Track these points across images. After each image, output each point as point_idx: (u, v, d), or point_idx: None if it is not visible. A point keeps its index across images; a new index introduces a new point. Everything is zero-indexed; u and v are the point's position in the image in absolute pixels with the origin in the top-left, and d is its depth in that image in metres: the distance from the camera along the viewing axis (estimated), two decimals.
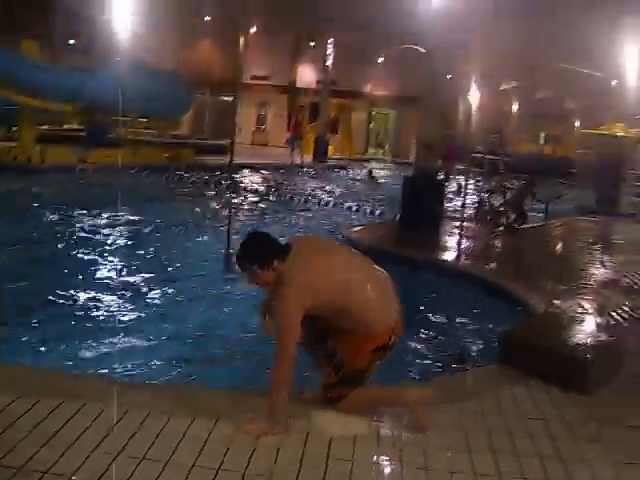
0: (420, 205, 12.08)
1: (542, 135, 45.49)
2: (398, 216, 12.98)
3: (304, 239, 5.16)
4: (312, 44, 37.64)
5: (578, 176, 33.07)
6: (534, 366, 5.47)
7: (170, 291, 8.39)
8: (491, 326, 7.52)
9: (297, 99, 41.51)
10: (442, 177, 13.25)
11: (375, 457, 3.96)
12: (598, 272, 10.81)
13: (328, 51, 32.61)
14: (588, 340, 5.84)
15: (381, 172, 30.98)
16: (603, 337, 6.05)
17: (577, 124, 40.13)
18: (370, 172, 25.83)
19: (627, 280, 10.19)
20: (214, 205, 15.95)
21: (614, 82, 21.31)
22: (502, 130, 40.86)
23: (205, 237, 11.97)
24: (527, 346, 5.72)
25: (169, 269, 9.51)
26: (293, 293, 4.08)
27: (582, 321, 6.92)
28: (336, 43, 32.68)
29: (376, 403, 4.51)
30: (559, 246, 14.19)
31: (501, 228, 13.99)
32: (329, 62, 32.90)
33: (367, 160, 37.65)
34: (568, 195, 21.56)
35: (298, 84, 41.76)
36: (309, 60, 40.72)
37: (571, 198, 22.24)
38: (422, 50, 15.08)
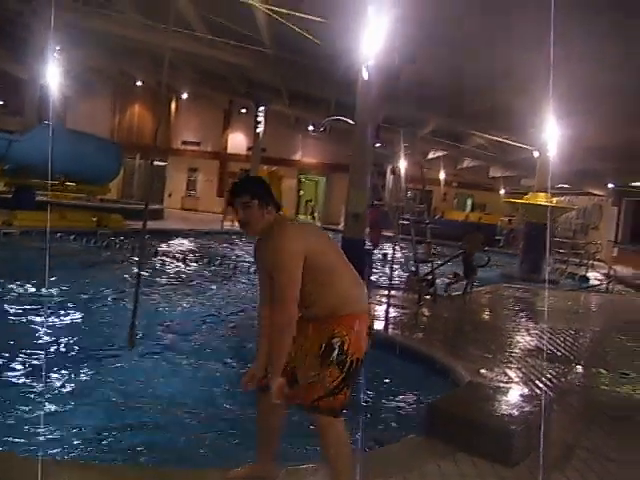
0: None
1: (469, 203, 46.59)
2: None
3: None
4: (243, 111, 38.00)
5: (503, 243, 33.94)
6: (460, 438, 5.48)
7: (80, 362, 8.09)
8: (418, 397, 7.54)
9: (228, 165, 41.73)
10: (370, 245, 13.36)
11: None
12: (523, 340, 10.98)
13: (259, 118, 32.87)
14: (513, 411, 5.89)
15: None
16: (528, 407, 6.09)
17: (502, 192, 41.22)
18: None
19: (551, 347, 10.37)
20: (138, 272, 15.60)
21: (536, 154, 21.98)
22: (429, 198, 41.66)
23: (124, 305, 11.65)
24: (452, 418, 5.74)
25: (82, 338, 9.20)
26: (290, 237, 3.98)
27: (507, 391, 6.99)
28: (267, 111, 33.02)
29: (345, 460, 4.09)
30: (485, 313, 14.38)
31: (428, 297, 14.12)
32: (260, 129, 33.15)
33: None
34: (494, 262, 21.97)
35: (229, 150, 42.03)
36: (240, 127, 41.10)
37: (496, 265, 22.66)
38: (350, 122, 15.37)
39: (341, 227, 21.99)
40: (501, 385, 7.50)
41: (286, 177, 40.80)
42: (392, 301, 12.35)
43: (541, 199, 21.74)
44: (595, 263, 25.09)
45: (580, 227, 37.33)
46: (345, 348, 3.97)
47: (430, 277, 14.74)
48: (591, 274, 24.39)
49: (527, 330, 11.88)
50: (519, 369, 8.63)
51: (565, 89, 14.16)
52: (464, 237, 16.36)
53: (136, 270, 10.85)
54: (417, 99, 20.87)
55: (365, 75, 12.06)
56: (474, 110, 20.66)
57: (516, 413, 5.83)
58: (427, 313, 12.88)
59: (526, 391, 7.32)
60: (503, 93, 18.37)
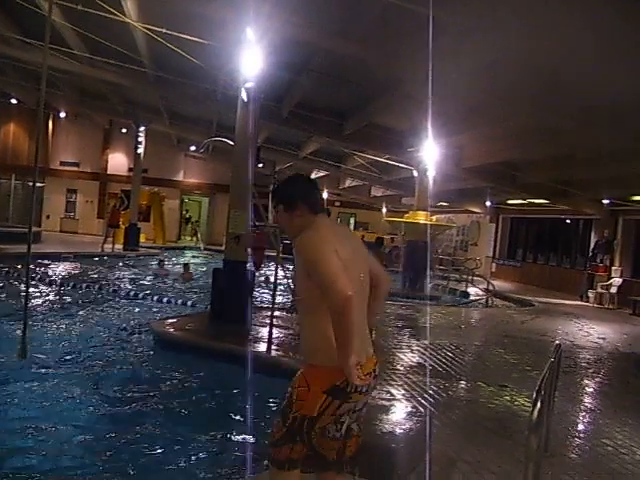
0: (230, 296, 12.07)
1: (352, 221, 47.13)
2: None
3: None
4: (124, 131, 37.34)
5: (386, 261, 34.38)
6: None
7: None
8: None
9: (108, 186, 40.84)
10: (252, 267, 13.27)
11: None
12: (406, 356, 11.11)
13: (140, 138, 32.34)
14: (395, 428, 5.91)
15: (197, 260, 30.80)
16: (410, 424, 6.13)
17: (384, 211, 41.94)
18: (186, 266, 24.55)
19: (433, 363, 10.54)
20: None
21: (415, 173, 22.43)
22: None
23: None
24: None
25: None
26: (319, 233, 3.61)
27: (390, 408, 7.02)
28: (148, 131, 32.55)
29: None
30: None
31: None
32: (141, 149, 32.62)
33: (181, 248, 37.35)
34: None
35: (109, 171, 41.17)
36: (121, 147, 40.35)
37: None
38: (230, 142, 15.32)
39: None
40: (384, 403, 7.53)
41: (168, 198, 40.34)
42: (275, 322, 12.31)
43: (421, 217, 22.17)
44: (475, 278, 25.72)
45: (460, 244, 38.29)
46: (293, 400, 3.65)
47: None
48: (471, 289, 25.00)
49: (410, 347, 12.03)
50: (402, 386, 8.72)
51: (443, 110, 14.56)
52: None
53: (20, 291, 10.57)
54: (298, 120, 21.05)
55: (244, 96, 12.04)
56: (354, 131, 20.94)
57: (398, 430, 5.85)
58: None
59: (409, 408, 7.38)
60: (381, 114, 18.70)
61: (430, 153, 20.03)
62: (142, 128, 32.24)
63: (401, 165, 24.50)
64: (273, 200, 3.93)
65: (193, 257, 32.87)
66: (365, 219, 46.45)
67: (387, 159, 24.91)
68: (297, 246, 3.60)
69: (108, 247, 28.55)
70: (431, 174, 21.13)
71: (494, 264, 33.84)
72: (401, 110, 17.57)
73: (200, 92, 20.35)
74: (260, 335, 11.54)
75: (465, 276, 26.08)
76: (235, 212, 12.28)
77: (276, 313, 13.01)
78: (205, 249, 36.97)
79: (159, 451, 6.41)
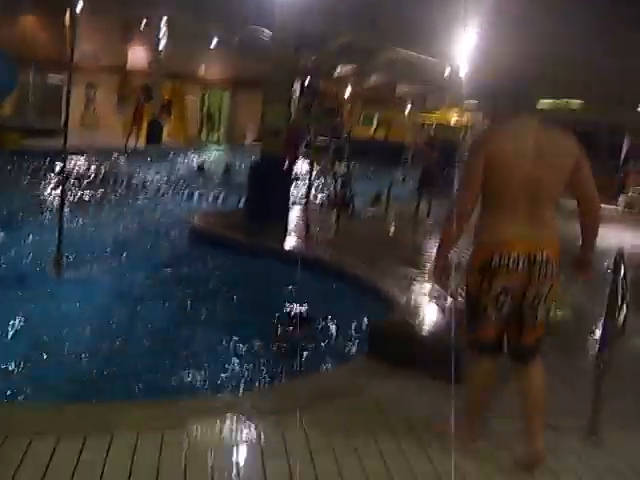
0: (267, 192, 11.83)
1: (375, 120, 46.37)
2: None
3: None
4: (144, 23, 36.40)
5: (414, 161, 34.06)
6: (403, 356, 5.37)
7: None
8: (353, 317, 7.32)
9: (129, 81, 40.20)
10: (287, 163, 13.02)
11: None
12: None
13: (161, 32, 31.59)
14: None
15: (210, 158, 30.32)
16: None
17: (409, 109, 41.22)
18: (200, 166, 24.02)
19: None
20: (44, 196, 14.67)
21: (448, 69, 21.88)
22: (342, 116, 41.41)
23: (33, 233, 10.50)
24: (395, 336, 5.64)
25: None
26: (489, 137, 4.07)
27: (441, 307, 6.95)
28: (169, 23, 31.72)
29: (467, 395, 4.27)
30: (406, 230, 14.28)
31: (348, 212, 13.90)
32: (162, 43, 31.90)
33: (204, 145, 36.93)
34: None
35: (129, 65, 40.45)
36: (141, 40, 39.52)
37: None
38: (268, 32, 14.85)
39: (247, 143, 21.38)
40: (435, 300, 7.45)
41: (189, 93, 39.68)
42: (312, 218, 12.21)
43: (452, 115, 21.74)
44: None
45: None
46: (467, 282, 4.01)
47: (349, 194, 14.54)
48: None
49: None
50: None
51: None
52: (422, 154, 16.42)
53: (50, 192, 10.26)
54: (332, 12, 20.41)
55: None
56: (389, 24, 20.32)
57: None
58: (348, 230, 12.61)
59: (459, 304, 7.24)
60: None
61: (463, 49, 19.37)
62: (163, 20, 31.47)
63: (433, 60, 23.83)
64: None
65: (216, 154, 32.44)
66: (388, 118, 45.53)
67: (419, 54, 24.24)
68: None
69: (132, 143, 28.23)
70: (464, 71, 20.49)
71: None
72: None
73: None
74: (298, 232, 11.42)
75: None
76: (273, 106, 11.96)
77: (312, 209, 12.94)
78: (226, 145, 36.56)
79: (187, 347, 6.29)
